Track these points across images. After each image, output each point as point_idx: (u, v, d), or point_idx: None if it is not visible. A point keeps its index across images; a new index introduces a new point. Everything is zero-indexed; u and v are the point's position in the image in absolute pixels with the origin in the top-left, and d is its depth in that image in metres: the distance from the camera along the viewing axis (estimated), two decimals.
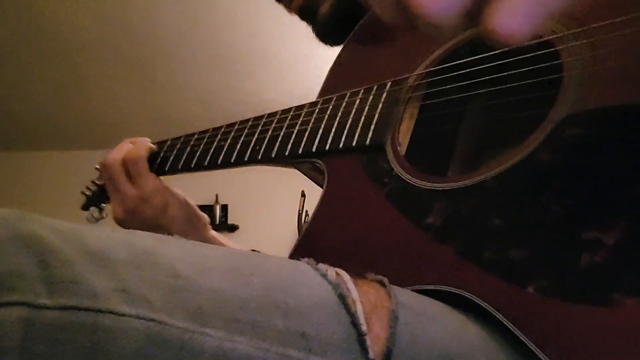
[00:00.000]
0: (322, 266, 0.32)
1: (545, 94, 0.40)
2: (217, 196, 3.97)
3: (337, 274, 0.32)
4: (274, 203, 3.72)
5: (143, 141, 0.70)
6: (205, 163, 0.63)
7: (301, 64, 3.03)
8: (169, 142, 0.72)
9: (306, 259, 0.34)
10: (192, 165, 0.65)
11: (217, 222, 3.94)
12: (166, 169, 0.69)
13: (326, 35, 0.70)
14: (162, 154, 0.70)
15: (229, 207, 4.01)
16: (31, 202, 3.45)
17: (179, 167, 0.67)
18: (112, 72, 3.12)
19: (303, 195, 3.33)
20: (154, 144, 0.72)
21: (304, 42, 2.75)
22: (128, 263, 0.25)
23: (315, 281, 0.30)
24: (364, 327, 0.28)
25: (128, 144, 0.70)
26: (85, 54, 2.92)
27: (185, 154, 0.66)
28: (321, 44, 0.72)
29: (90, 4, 2.51)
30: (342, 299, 0.29)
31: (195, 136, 0.68)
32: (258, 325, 0.25)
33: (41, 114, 3.53)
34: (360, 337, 0.28)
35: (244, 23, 2.72)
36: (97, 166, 0.73)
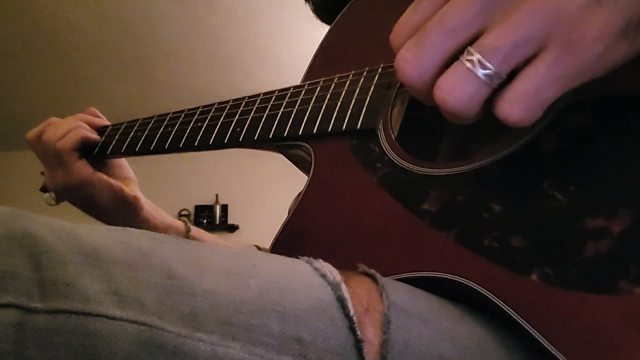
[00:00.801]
0: (321, 266, 0.32)
1: None
2: (217, 196, 3.98)
3: (332, 275, 0.31)
4: (274, 203, 3.72)
5: (77, 130, 0.67)
6: (181, 145, 0.60)
7: (301, 64, 3.02)
8: (124, 125, 0.69)
9: (305, 258, 0.33)
10: (167, 147, 0.61)
11: (217, 222, 3.95)
12: (128, 150, 0.65)
13: (324, 13, 0.69)
14: (117, 137, 0.67)
15: (229, 207, 4.01)
16: (29, 202, 3.45)
17: (151, 148, 0.63)
18: (112, 72, 3.12)
19: None
20: (107, 127, 0.70)
21: (304, 42, 2.76)
22: (122, 263, 0.24)
23: (313, 282, 0.30)
24: (360, 333, 0.27)
25: (74, 122, 0.69)
26: (85, 54, 2.92)
27: (159, 135, 0.62)
28: (321, 32, 0.71)
29: (90, 4, 2.51)
30: (341, 301, 0.28)
31: (170, 115, 0.65)
32: (253, 330, 0.25)
33: (41, 114, 3.52)
34: (358, 343, 0.27)
35: (244, 23, 2.72)
36: (28, 137, 0.71)
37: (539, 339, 0.29)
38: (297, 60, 3.01)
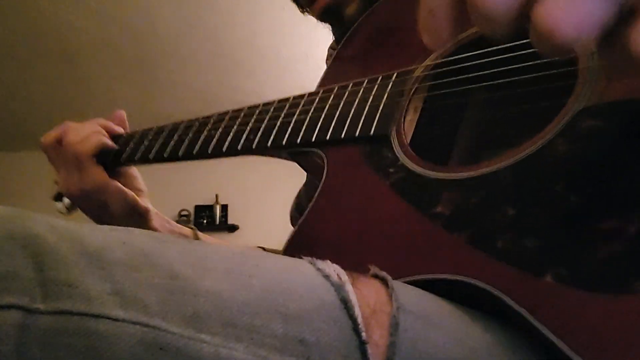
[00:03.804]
0: (325, 266, 0.31)
1: (557, 87, 0.40)
2: (217, 196, 3.98)
3: (337, 275, 0.31)
4: (274, 203, 3.72)
5: (96, 135, 0.67)
6: (194, 152, 0.60)
7: (301, 64, 3.03)
8: (139, 133, 0.68)
9: (308, 258, 0.33)
10: (180, 154, 0.61)
11: (217, 222, 3.95)
12: (143, 158, 0.66)
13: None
14: (131, 145, 0.67)
15: (229, 207, 4.01)
16: (30, 202, 3.45)
17: (165, 155, 0.64)
18: (112, 72, 3.12)
19: None
20: (121, 135, 0.70)
21: (304, 42, 2.76)
22: (125, 264, 0.24)
23: (316, 282, 0.29)
24: (365, 335, 0.27)
25: (93, 126, 0.68)
26: (85, 54, 2.92)
27: (173, 143, 0.63)
28: (322, 37, 0.70)
29: (90, 4, 2.51)
30: (345, 302, 0.28)
31: (184, 124, 0.65)
32: (256, 331, 0.24)
33: (41, 114, 3.52)
34: (362, 345, 0.27)
35: (244, 23, 2.72)
36: (43, 141, 0.70)
37: (552, 339, 0.29)
38: (297, 60, 3.01)
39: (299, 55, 2.95)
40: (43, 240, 0.23)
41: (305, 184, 0.73)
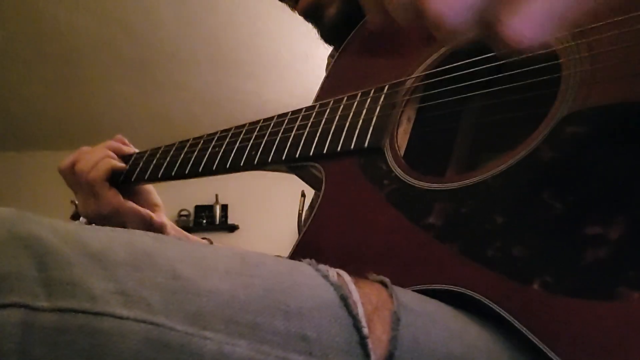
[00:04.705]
0: (324, 267, 0.32)
1: (543, 94, 0.40)
2: (217, 196, 3.97)
3: (338, 275, 0.32)
4: (274, 203, 3.72)
5: (106, 161, 0.69)
6: (200, 170, 0.62)
7: (301, 64, 3.03)
8: (147, 153, 0.71)
9: (307, 260, 0.34)
10: (187, 172, 0.64)
11: (217, 222, 3.95)
12: (152, 177, 0.68)
13: (332, 38, 0.70)
14: (141, 164, 0.69)
15: (229, 207, 4.01)
16: (31, 202, 3.44)
17: (172, 174, 0.66)
18: (112, 72, 3.12)
19: (303, 195, 3.31)
20: (131, 155, 0.72)
21: (304, 43, 2.76)
22: (127, 264, 0.24)
23: (316, 282, 0.30)
24: (365, 330, 0.28)
25: (103, 151, 0.70)
26: (85, 54, 2.92)
27: (179, 161, 0.65)
28: (324, 44, 0.71)
29: (90, 4, 2.51)
30: (344, 300, 0.29)
31: (190, 142, 0.67)
32: (258, 328, 0.25)
33: (41, 114, 3.53)
34: (362, 340, 0.27)
35: (244, 23, 2.72)
36: (60, 167, 0.72)
37: (540, 345, 0.29)
38: (296, 60, 3.01)
39: (299, 56, 2.95)
40: (45, 241, 0.23)
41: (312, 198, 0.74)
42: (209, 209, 3.99)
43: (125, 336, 0.21)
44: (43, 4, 2.47)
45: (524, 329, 0.30)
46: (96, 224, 0.70)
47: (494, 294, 0.32)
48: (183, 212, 3.91)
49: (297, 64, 3.04)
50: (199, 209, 3.99)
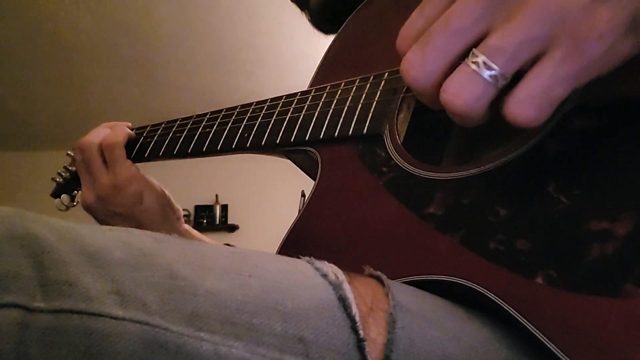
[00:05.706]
0: (322, 266, 0.32)
1: None
2: (217, 196, 3.97)
3: (335, 274, 0.31)
4: (274, 203, 3.72)
5: (121, 127, 0.67)
6: (189, 150, 0.60)
7: (301, 63, 3.03)
8: (149, 128, 0.69)
9: (306, 258, 0.33)
10: (175, 152, 0.62)
11: (217, 222, 3.94)
12: (145, 155, 0.66)
13: (319, 23, 0.70)
14: (141, 140, 0.68)
15: (229, 207, 4.01)
16: (30, 202, 3.44)
17: (160, 153, 0.64)
18: (112, 72, 3.12)
19: (303, 195, 3.32)
20: (132, 129, 0.69)
21: (304, 42, 2.76)
22: (124, 264, 0.24)
23: (314, 282, 0.30)
24: (362, 333, 0.27)
25: (105, 129, 0.67)
26: (85, 54, 2.92)
27: (168, 140, 0.64)
28: (323, 45, 0.71)
29: (90, 4, 2.51)
30: (343, 301, 0.28)
31: (178, 122, 0.66)
32: (255, 329, 0.25)
33: (41, 113, 3.53)
34: (360, 342, 0.27)
35: (244, 23, 2.72)
36: (69, 152, 0.71)
37: (543, 340, 0.29)
38: (297, 60, 3.01)
39: (299, 55, 2.95)
40: (42, 240, 0.23)
41: None
42: (209, 209, 3.99)
43: (120, 337, 0.21)
44: (43, 3, 2.48)
45: (526, 322, 0.30)
46: (104, 203, 0.65)
47: (496, 287, 0.32)
48: (183, 212, 3.91)
49: (298, 63, 3.04)
50: (199, 209, 3.99)
